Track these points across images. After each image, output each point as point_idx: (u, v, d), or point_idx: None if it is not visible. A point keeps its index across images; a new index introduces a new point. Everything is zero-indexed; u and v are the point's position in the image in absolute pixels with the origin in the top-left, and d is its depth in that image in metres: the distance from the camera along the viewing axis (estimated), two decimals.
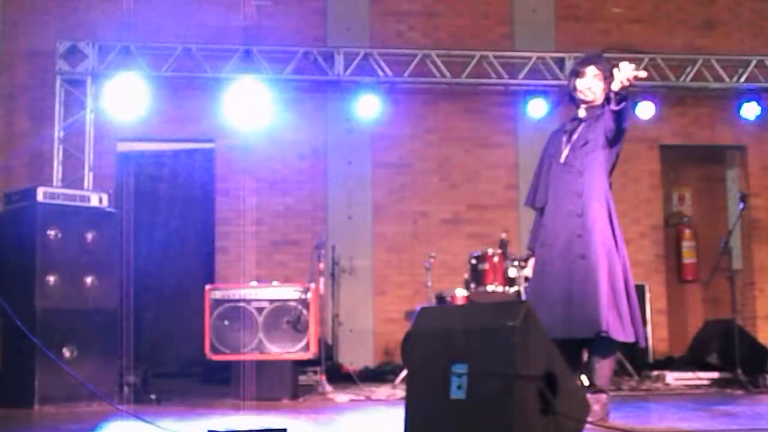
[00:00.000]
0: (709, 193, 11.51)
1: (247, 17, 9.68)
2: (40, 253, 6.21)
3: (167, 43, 9.41)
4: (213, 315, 6.81)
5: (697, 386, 7.76)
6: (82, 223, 6.46)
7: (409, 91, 10.09)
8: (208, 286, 6.99)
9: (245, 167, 9.71)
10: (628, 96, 4.53)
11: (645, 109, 9.72)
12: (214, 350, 6.79)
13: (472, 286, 8.22)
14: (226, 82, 9.40)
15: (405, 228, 10.08)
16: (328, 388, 7.17)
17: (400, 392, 7.04)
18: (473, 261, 8.29)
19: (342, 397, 6.94)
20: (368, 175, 10.06)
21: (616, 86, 4.46)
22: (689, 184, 11.61)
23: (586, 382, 4.72)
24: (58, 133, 9.19)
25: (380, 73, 9.65)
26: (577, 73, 4.89)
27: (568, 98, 5.02)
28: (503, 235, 8.38)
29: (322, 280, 7.57)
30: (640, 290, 7.36)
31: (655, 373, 8.46)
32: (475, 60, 9.80)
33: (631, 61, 4.60)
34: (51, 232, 6.28)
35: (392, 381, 8.30)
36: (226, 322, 6.80)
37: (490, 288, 8.12)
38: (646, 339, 6.17)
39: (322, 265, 7.69)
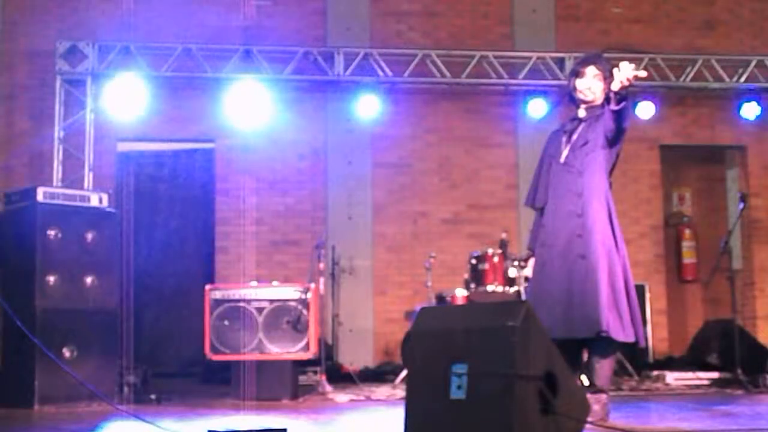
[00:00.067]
0: (709, 193, 11.51)
1: (247, 17, 9.68)
2: (40, 253, 6.22)
3: (167, 43, 9.41)
4: (213, 315, 6.81)
5: (697, 386, 7.76)
6: (82, 223, 6.46)
7: (409, 91, 10.09)
8: (208, 286, 6.99)
9: (245, 167, 9.71)
10: (628, 96, 4.53)
11: (645, 109, 9.72)
12: (214, 350, 6.79)
13: (472, 286, 8.22)
14: (226, 82, 9.40)
15: (405, 228, 10.08)
16: (328, 388, 7.17)
17: (400, 392, 7.04)
18: (473, 261, 8.29)
19: (342, 397, 6.94)
20: (368, 175, 10.06)
21: (616, 86, 4.46)
22: (689, 184, 11.61)
23: (586, 382, 4.72)
24: (58, 133, 9.19)
25: (380, 73, 9.65)
26: (577, 73, 4.89)
27: (568, 98, 5.02)
28: (503, 235, 8.38)
29: (322, 280, 7.57)
30: (640, 290, 7.36)
31: (655, 373, 8.46)
32: (475, 60, 9.80)
33: (631, 61, 4.60)
34: (51, 232, 6.28)
35: (392, 381, 8.30)
36: (226, 322, 6.80)
37: (490, 288, 8.12)
38: (646, 339, 6.17)
39: (322, 265, 7.69)
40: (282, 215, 9.90)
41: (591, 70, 4.84)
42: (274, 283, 7.08)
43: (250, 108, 9.33)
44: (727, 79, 10.06)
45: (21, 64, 9.74)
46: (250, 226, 9.48)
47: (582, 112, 4.90)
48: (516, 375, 3.29)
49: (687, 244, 11.20)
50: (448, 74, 9.73)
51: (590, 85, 4.85)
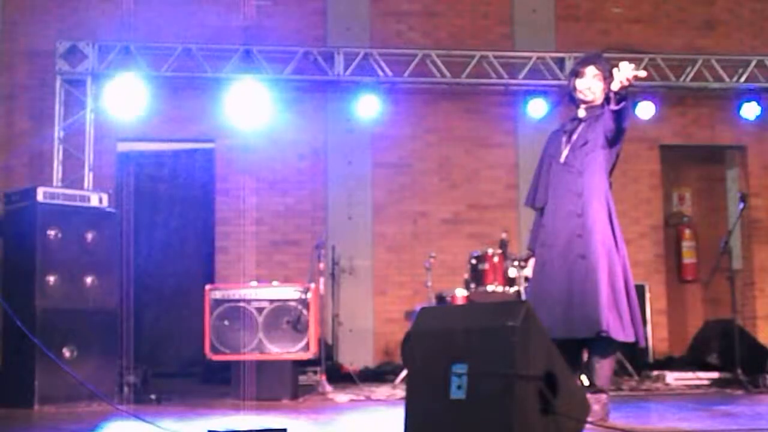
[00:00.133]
0: (709, 193, 11.51)
1: (247, 17, 9.68)
2: (40, 253, 6.22)
3: (167, 43, 9.41)
4: (213, 315, 6.81)
5: (697, 386, 7.76)
6: (82, 223, 6.46)
7: (409, 91, 10.09)
8: (208, 286, 6.98)
9: (245, 167, 9.71)
10: (627, 96, 4.53)
11: (645, 109, 9.72)
12: (214, 350, 6.79)
13: (472, 286, 8.22)
14: (226, 82, 9.40)
15: (405, 228, 10.08)
16: (328, 388, 7.17)
17: (400, 392, 7.04)
18: (473, 261, 8.29)
19: (342, 397, 6.94)
20: (368, 175, 10.06)
21: (615, 86, 4.46)
22: (689, 184, 11.61)
23: (586, 382, 4.72)
24: (58, 133, 9.19)
25: (380, 73, 9.65)
26: (576, 73, 4.89)
27: (568, 98, 5.02)
28: (503, 235, 8.38)
29: (322, 280, 7.57)
30: (640, 290, 7.36)
31: (655, 373, 8.46)
32: (475, 60, 9.80)
33: (631, 61, 4.60)
34: (51, 232, 6.28)
35: (392, 381, 8.30)
36: (226, 322, 6.79)
37: (490, 288, 8.12)
38: (646, 339, 6.16)
39: (322, 265, 7.69)
40: (282, 215, 9.90)
41: (591, 70, 4.84)
42: (274, 283, 7.08)
43: (250, 108, 9.33)
44: (727, 79, 10.06)
45: (21, 64, 9.74)
46: (250, 226, 9.48)
47: (582, 112, 4.91)
48: (516, 375, 3.29)
49: (687, 244, 11.21)
50: (448, 74, 9.73)
51: (590, 85, 4.85)
